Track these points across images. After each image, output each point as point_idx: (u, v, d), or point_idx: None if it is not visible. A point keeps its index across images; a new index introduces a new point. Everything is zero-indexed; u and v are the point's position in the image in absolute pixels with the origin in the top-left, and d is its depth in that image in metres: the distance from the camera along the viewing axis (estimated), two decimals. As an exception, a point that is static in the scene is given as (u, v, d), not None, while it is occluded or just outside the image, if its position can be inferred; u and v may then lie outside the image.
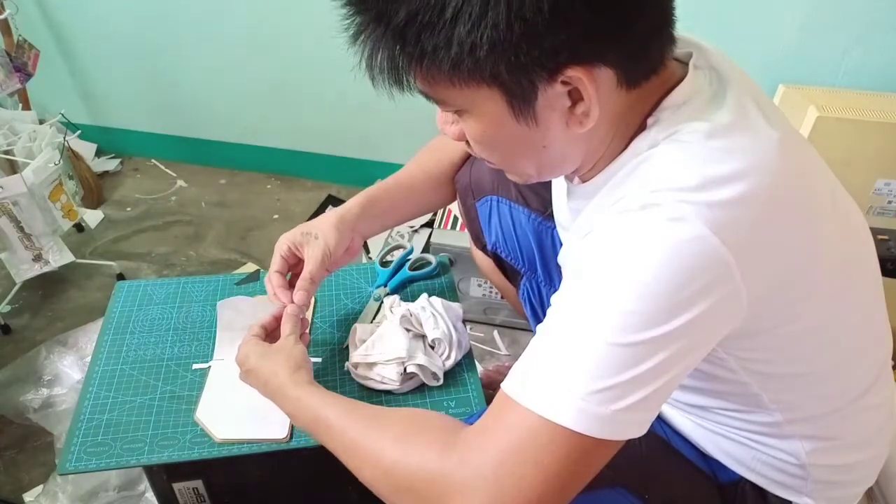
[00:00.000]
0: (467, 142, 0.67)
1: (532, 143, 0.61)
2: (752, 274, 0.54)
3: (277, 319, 0.90)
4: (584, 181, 0.69)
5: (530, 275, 1.04)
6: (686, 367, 0.56)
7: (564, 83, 0.56)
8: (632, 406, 0.53)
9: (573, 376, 0.53)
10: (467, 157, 1.04)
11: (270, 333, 0.90)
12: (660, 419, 0.83)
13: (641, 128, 0.60)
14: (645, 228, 0.53)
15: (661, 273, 0.52)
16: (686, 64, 0.63)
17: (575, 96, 0.57)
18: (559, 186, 0.82)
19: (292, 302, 0.91)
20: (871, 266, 0.69)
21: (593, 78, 0.55)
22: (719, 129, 0.56)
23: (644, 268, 0.52)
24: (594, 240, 0.57)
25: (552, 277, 1.02)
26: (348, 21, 0.57)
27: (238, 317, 1.07)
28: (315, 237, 0.94)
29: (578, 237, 0.69)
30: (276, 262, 0.95)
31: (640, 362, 0.52)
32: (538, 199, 0.98)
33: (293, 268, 0.97)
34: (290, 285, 0.94)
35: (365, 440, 0.65)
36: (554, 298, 0.58)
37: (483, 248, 1.10)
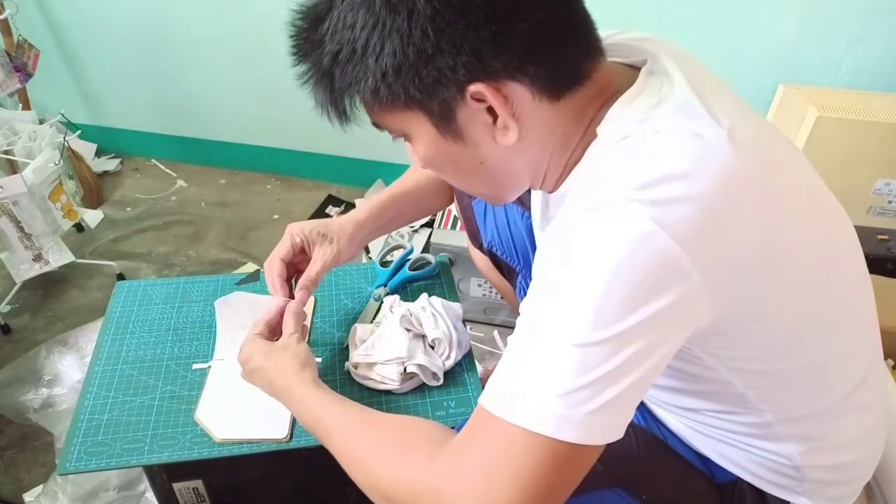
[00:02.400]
0: None
1: (469, 160, 0.65)
2: (708, 271, 0.54)
3: (280, 314, 0.90)
4: (553, 191, 0.70)
5: (525, 272, 1.04)
6: (654, 365, 0.55)
7: (477, 100, 0.59)
8: (602, 408, 0.53)
9: (540, 382, 0.53)
10: None
11: (273, 330, 0.90)
12: (656, 420, 0.83)
13: (593, 136, 0.62)
14: (593, 228, 0.54)
15: (612, 270, 0.52)
16: (637, 69, 0.63)
17: (494, 113, 0.60)
18: (537, 195, 0.83)
19: (290, 297, 0.92)
20: (853, 262, 0.68)
21: (499, 93, 0.59)
22: (663, 130, 0.57)
23: (595, 265, 0.53)
24: (548, 245, 0.58)
25: None
26: (299, 72, 0.65)
27: (236, 315, 1.07)
28: (330, 241, 0.97)
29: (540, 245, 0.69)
30: (283, 249, 0.96)
31: (603, 361, 0.52)
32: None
33: (294, 258, 0.98)
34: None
35: (357, 448, 0.67)
36: (521, 307, 0.59)
37: (480, 247, 1.11)
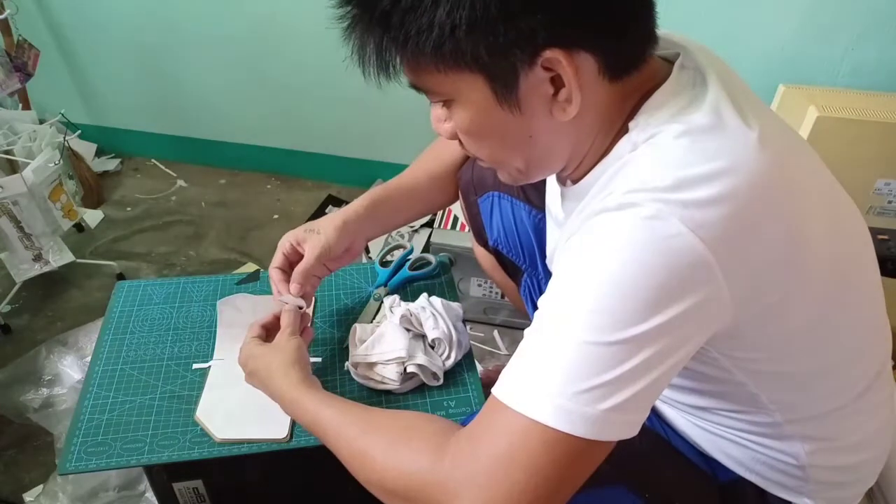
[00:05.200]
0: (460, 141, 0.68)
1: (518, 132, 0.62)
2: (734, 273, 0.54)
3: (278, 318, 0.91)
4: (574, 183, 0.69)
5: (531, 271, 1.04)
6: (673, 366, 0.55)
7: (546, 69, 0.57)
8: (619, 406, 0.53)
9: (559, 377, 0.53)
10: (467, 157, 1.04)
11: (271, 332, 0.90)
12: (659, 419, 0.83)
13: (624, 130, 0.61)
14: (621, 227, 0.54)
15: (638, 270, 0.52)
16: (672, 63, 0.63)
17: (557, 84, 0.58)
18: (553, 188, 0.83)
19: (294, 293, 0.93)
20: (868, 266, 0.69)
21: (573, 61, 0.57)
22: (694, 131, 0.56)
23: (621, 265, 0.52)
24: (573, 241, 0.58)
25: (551, 274, 1.02)
26: (341, 13, 0.59)
27: (238, 315, 1.07)
28: (317, 233, 0.96)
29: (564, 240, 0.69)
30: (276, 259, 0.97)
31: (624, 361, 0.52)
32: (539, 195, 0.98)
33: (294, 265, 0.97)
34: None
35: (359, 445, 0.66)
36: (540, 301, 0.59)
37: (485, 245, 1.10)
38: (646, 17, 0.60)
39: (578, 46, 0.57)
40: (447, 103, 0.64)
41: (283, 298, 0.91)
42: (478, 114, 0.61)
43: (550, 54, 0.56)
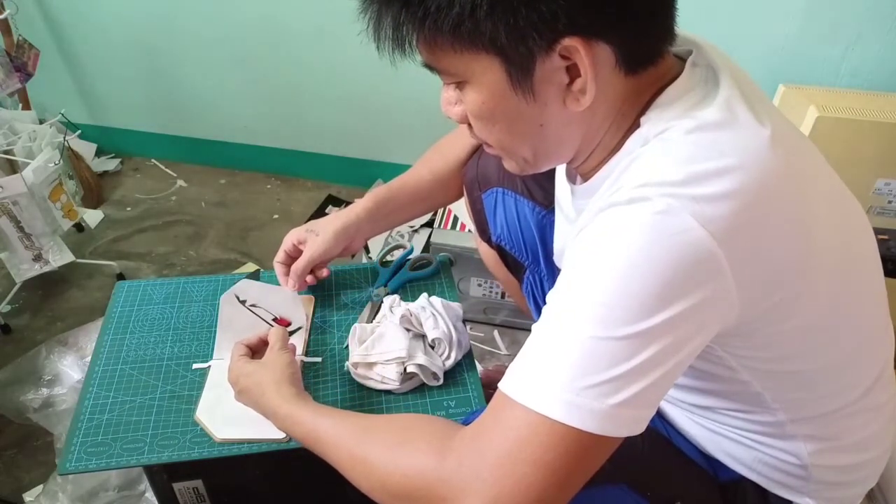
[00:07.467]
0: (469, 125, 0.67)
1: (530, 119, 0.62)
2: (742, 269, 0.54)
3: (262, 339, 0.92)
4: (584, 178, 0.69)
5: (534, 268, 1.04)
6: (680, 362, 0.55)
7: (563, 57, 0.57)
8: (627, 401, 0.53)
9: (568, 372, 0.53)
10: (472, 156, 1.05)
11: (256, 353, 0.91)
12: (661, 418, 0.83)
13: (636, 125, 0.61)
14: (631, 221, 0.53)
15: (647, 266, 0.52)
16: (685, 61, 0.63)
17: (573, 73, 0.58)
18: (563, 185, 0.83)
19: (290, 289, 1.03)
20: (872, 266, 0.69)
21: (591, 51, 0.56)
22: (706, 126, 0.56)
23: (630, 260, 0.52)
24: (583, 236, 0.58)
25: (555, 271, 1.02)
26: None
27: (238, 315, 1.07)
28: (316, 235, 1.02)
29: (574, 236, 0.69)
30: (279, 255, 1.05)
31: (632, 355, 0.52)
32: (543, 192, 0.98)
33: (295, 260, 1.04)
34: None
35: (358, 452, 0.66)
36: (549, 296, 0.58)
37: (488, 241, 1.10)
38: (666, 11, 0.60)
39: (598, 36, 0.56)
40: (460, 85, 0.63)
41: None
42: (491, 97, 0.61)
43: (569, 42, 0.55)
